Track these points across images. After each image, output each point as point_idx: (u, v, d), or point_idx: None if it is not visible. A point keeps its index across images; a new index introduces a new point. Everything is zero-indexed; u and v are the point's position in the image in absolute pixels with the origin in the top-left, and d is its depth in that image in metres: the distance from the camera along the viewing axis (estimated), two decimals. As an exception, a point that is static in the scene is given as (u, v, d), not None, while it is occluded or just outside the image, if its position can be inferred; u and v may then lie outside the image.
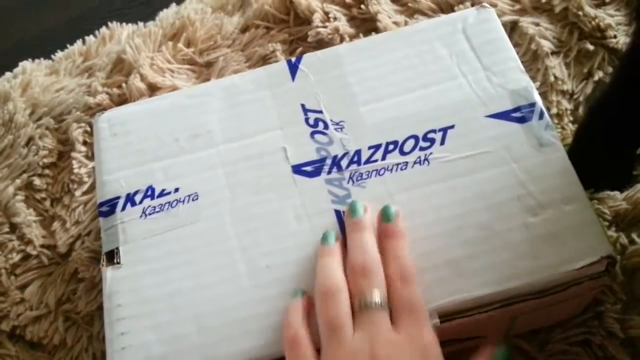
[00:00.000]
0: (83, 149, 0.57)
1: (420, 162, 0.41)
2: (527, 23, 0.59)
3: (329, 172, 0.42)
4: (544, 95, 0.55)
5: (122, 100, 0.60)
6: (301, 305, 0.37)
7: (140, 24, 0.66)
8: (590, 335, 0.44)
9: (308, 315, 0.37)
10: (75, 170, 0.56)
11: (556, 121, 0.54)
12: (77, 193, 0.55)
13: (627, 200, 0.48)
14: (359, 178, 0.42)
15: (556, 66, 0.56)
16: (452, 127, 0.42)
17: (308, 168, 0.43)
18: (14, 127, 0.59)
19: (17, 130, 0.59)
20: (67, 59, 0.65)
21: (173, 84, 0.60)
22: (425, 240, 0.39)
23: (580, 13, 0.58)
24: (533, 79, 0.56)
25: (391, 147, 0.42)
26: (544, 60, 0.57)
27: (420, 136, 0.42)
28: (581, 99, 0.54)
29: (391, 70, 0.46)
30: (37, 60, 0.66)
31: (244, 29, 0.64)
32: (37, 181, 0.57)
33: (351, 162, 0.42)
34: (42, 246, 0.55)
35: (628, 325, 0.44)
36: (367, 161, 0.42)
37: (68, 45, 0.66)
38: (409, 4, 0.62)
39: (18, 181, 0.56)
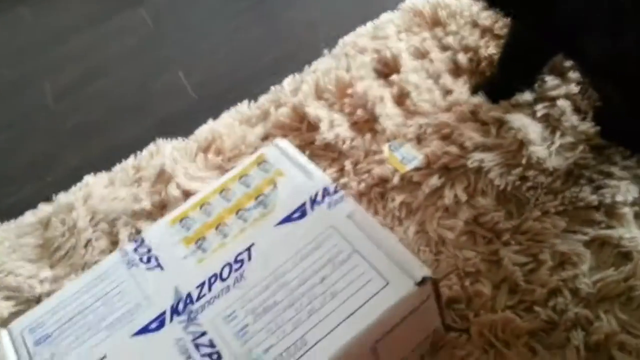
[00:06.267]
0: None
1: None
2: (513, 118, 0.65)
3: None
4: (524, 173, 0.60)
5: (162, 205, 0.71)
6: None
7: (180, 138, 0.78)
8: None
9: None
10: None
11: (532, 192, 0.59)
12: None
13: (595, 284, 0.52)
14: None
15: (539, 150, 0.62)
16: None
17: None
18: (76, 232, 0.72)
19: (78, 234, 0.71)
20: (122, 171, 0.78)
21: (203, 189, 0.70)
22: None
23: (563, 118, 0.63)
24: (518, 165, 0.61)
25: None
26: (529, 147, 0.62)
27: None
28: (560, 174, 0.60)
29: None
30: (99, 174, 0.78)
31: (265, 137, 0.75)
32: (91, 277, 0.68)
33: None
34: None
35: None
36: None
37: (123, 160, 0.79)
38: (411, 107, 0.70)
39: (72, 278, 0.67)
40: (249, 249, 0.51)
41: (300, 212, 0.53)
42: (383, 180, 0.65)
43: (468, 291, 0.54)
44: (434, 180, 0.63)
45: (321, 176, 0.56)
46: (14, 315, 0.64)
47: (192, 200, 0.58)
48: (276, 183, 0.56)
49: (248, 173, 0.58)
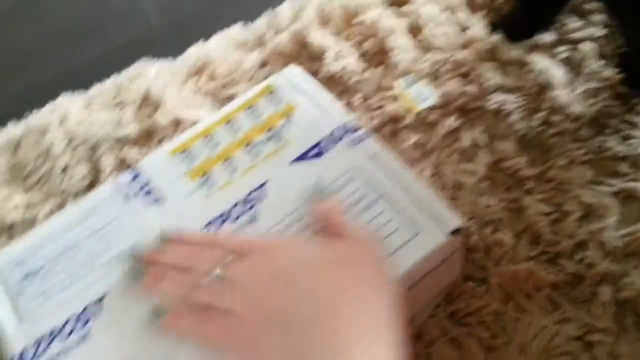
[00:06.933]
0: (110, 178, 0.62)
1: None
2: (534, 60, 0.61)
3: None
4: (547, 117, 0.57)
5: (149, 132, 0.65)
6: None
7: (168, 59, 0.71)
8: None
9: None
10: (104, 198, 0.61)
11: (556, 139, 0.57)
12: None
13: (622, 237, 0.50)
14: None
15: (562, 95, 0.59)
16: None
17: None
18: (51, 157, 0.65)
19: (54, 159, 0.64)
20: (101, 93, 0.70)
21: (196, 117, 0.64)
22: None
23: (585, 63, 0.60)
24: (540, 109, 0.58)
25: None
26: (551, 91, 0.59)
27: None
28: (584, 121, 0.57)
29: None
30: (75, 93, 0.71)
31: (262, 65, 0.68)
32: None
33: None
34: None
35: (617, 354, 0.46)
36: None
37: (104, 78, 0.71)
38: (425, 42, 0.65)
39: (48, 206, 0.61)
40: (262, 187, 0.47)
41: (317, 150, 0.48)
42: (395, 118, 0.61)
43: (487, 240, 0.52)
44: (451, 121, 0.59)
45: (340, 111, 0.51)
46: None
47: (194, 130, 0.52)
48: (289, 117, 0.51)
49: (255, 104, 0.53)
